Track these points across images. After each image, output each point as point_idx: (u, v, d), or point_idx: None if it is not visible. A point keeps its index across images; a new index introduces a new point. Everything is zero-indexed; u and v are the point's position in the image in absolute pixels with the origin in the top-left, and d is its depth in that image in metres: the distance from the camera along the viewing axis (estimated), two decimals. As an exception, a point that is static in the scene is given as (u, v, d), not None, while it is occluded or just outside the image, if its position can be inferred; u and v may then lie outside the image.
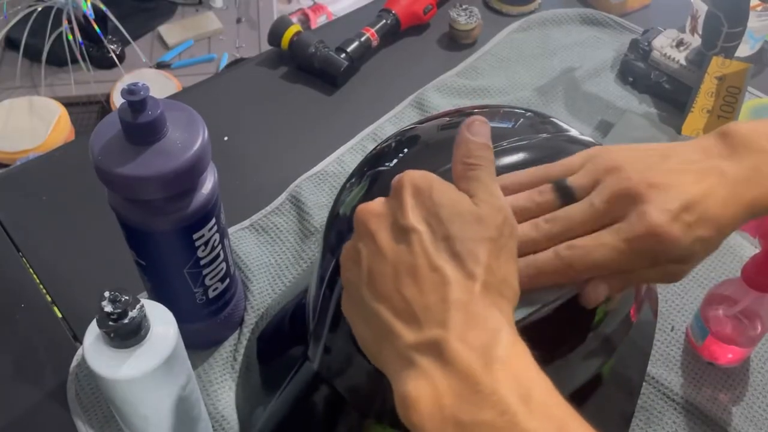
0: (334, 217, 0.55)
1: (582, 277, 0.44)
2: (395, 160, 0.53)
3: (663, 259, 0.43)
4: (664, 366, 0.65)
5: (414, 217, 0.39)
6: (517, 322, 0.41)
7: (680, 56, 0.88)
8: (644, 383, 0.63)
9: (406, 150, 0.54)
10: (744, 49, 0.93)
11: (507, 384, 0.35)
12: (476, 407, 0.34)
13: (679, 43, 0.89)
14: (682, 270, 0.44)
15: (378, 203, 0.42)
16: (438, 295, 0.37)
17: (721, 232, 0.43)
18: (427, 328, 0.37)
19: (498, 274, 0.39)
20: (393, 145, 0.55)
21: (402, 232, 0.39)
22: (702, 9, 0.91)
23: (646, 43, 0.91)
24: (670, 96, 0.89)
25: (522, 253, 0.42)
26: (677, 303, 0.69)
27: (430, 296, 0.37)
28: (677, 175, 0.44)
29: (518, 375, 0.35)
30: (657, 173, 0.43)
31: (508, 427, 0.34)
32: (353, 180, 0.55)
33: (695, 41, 0.89)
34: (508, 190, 0.45)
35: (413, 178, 0.40)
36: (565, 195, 0.44)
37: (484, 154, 0.42)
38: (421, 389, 0.36)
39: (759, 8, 0.91)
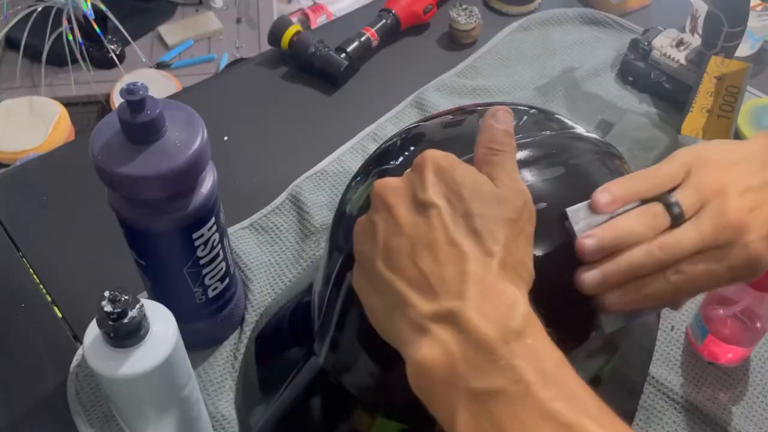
0: (340, 215, 0.55)
1: (684, 300, 0.47)
2: (401, 158, 0.53)
3: (752, 276, 0.46)
4: (664, 366, 0.65)
5: (434, 193, 0.39)
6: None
7: (680, 56, 0.88)
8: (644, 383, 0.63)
9: (412, 148, 0.54)
10: (744, 49, 0.93)
11: (522, 355, 0.35)
12: (490, 376, 0.35)
13: (679, 43, 0.89)
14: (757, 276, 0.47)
15: (397, 178, 0.42)
16: (455, 268, 0.37)
17: None
18: (443, 299, 0.37)
19: (516, 255, 0.39)
20: (398, 143, 0.55)
21: (421, 207, 0.39)
22: (702, 9, 0.91)
23: (646, 43, 0.91)
24: (670, 95, 0.89)
25: (632, 276, 0.44)
26: (677, 303, 0.69)
27: (447, 269, 0.38)
28: None
29: (533, 347, 0.36)
30: (755, 194, 0.46)
31: (521, 395, 0.34)
32: (359, 178, 0.55)
33: (695, 41, 0.89)
34: (617, 202, 0.45)
35: (435, 156, 0.41)
36: (676, 216, 0.46)
37: (507, 140, 0.43)
38: (435, 355, 0.36)
39: (759, 8, 0.91)
